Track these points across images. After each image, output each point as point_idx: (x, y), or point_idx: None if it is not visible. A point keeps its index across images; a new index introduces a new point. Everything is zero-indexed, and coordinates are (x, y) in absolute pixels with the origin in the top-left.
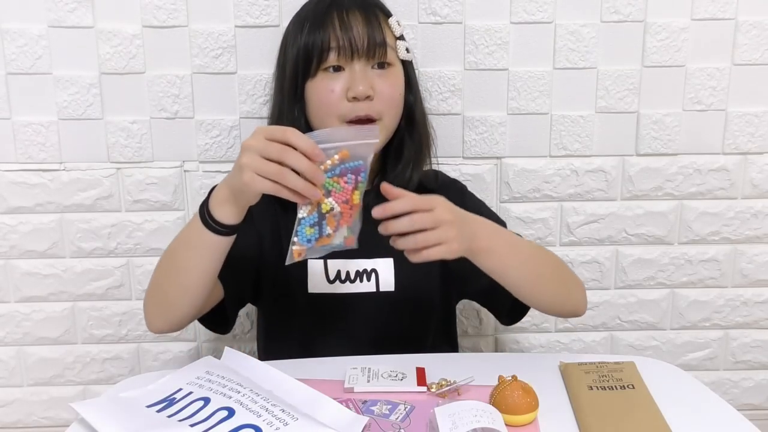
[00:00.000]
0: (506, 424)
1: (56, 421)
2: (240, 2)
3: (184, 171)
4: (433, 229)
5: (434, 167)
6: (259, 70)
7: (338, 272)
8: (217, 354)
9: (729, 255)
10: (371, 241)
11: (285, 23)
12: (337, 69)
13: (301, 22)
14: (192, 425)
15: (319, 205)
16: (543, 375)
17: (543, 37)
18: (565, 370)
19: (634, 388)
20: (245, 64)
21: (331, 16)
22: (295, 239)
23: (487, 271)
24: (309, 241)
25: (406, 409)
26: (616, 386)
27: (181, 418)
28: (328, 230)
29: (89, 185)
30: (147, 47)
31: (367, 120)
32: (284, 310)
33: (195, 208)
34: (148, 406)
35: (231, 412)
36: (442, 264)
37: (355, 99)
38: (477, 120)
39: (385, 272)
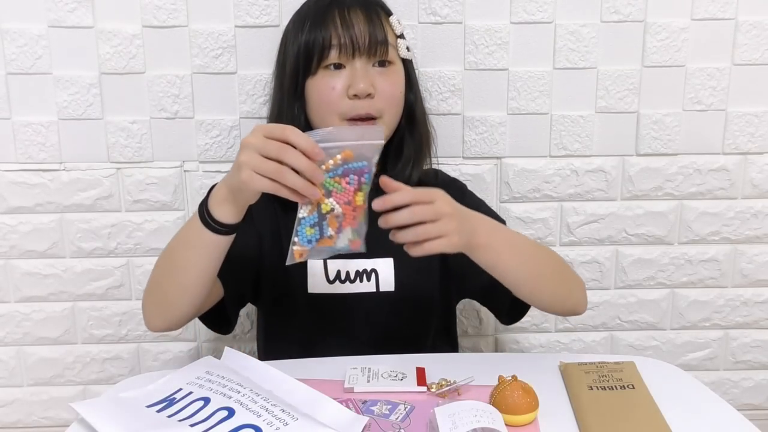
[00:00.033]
0: (506, 424)
1: (56, 421)
2: (240, 2)
3: (184, 171)
4: (433, 222)
5: (434, 167)
6: (259, 70)
7: (338, 272)
8: (217, 354)
9: (729, 255)
10: (371, 240)
11: (285, 23)
12: (338, 67)
13: (301, 20)
14: (192, 425)
15: (319, 205)
16: (543, 375)
17: (543, 37)
18: (565, 370)
19: (634, 388)
20: (245, 64)
21: (333, 13)
22: (295, 239)
23: (485, 267)
24: (310, 241)
25: (406, 409)
26: (616, 386)
27: (181, 418)
28: (330, 231)
29: (89, 185)
30: (147, 47)
31: (368, 118)
32: (284, 310)
33: (195, 208)
34: (148, 406)
35: (231, 412)
36: (442, 263)
37: (356, 97)
38: (477, 120)
39: (385, 272)
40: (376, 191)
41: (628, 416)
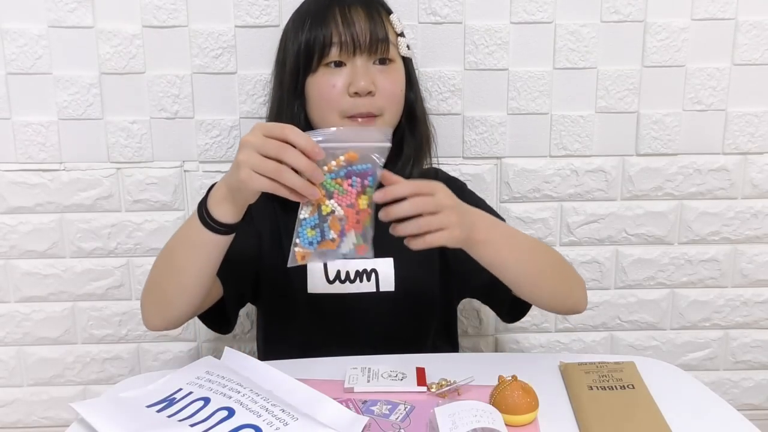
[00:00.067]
0: (506, 424)
1: (56, 421)
2: (240, 2)
3: (184, 171)
4: (434, 214)
5: (434, 166)
6: (259, 70)
7: (338, 272)
8: (217, 354)
9: (729, 255)
10: None
11: (285, 23)
12: (339, 64)
13: (302, 18)
14: (192, 425)
15: (319, 206)
16: (543, 375)
17: (543, 37)
18: (565, 370)
19: (634, 388)
20: (245, 64)
21: (333, 11)
22: (297, 240)
23: (484, 264)
24: (311, 243)
25: (406, 409)
26: (616, 386)
27: (181, 418)
28: (332, 234)
29: (89, 185)
30: (147, 47)
31: (368, 116)
32: (284, 311)
33: (195, 208)
34: (148, 406)
35: (231, 412)
36: (442, 262)
37: (356, 94)
38: (477, 120)
39: (385, 272)
40: (377, 186)
41: (628, 416)
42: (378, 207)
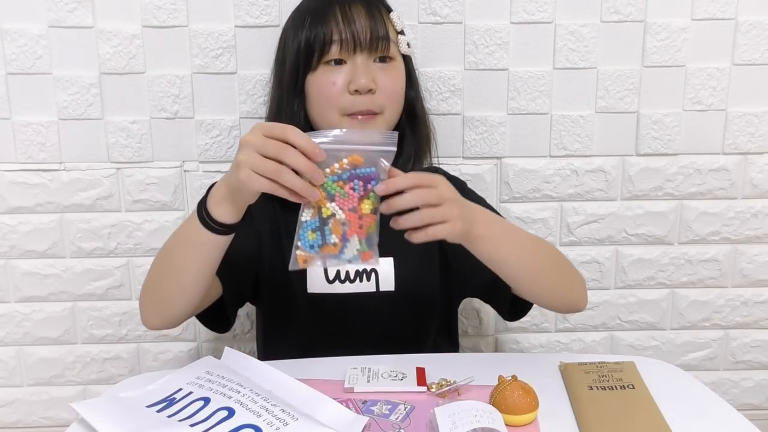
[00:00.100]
0: (506, 424)
1: (56, 421)
2: (240, 2)
3: (184, 171)
4: (436, 206)
5: (435, 165)
6: (259, 70)
7: (338, 272)
8: (217, 354)
9: (729, 255)
10: None
11: (285, 23)
12: (339, 62)
13: (301, 16)
14: (192, 425)
15: (320, 209)
16: (543, 375)
17: (543, 37)
18: (565, 370)
19: (634, 388)
20: (245, 64)
21: (333, 9)
22: (298, 243)
23: (484, 260)
24: (312, 247)
25: (406, 409)
26: (616, 386)
27: (181, 418)
28: (333, 239)
29: (89, 185)
30: (147, 47)
31: (369, 114)
32: (284, 311)
33: (194, 208)
34: (148, 406)
35: (231, 412)
36: (442, 261)
37: (356, 92)
38: (477, 120)
39: (385, 271)
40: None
41: (628, 416)
42: (386, 217)
